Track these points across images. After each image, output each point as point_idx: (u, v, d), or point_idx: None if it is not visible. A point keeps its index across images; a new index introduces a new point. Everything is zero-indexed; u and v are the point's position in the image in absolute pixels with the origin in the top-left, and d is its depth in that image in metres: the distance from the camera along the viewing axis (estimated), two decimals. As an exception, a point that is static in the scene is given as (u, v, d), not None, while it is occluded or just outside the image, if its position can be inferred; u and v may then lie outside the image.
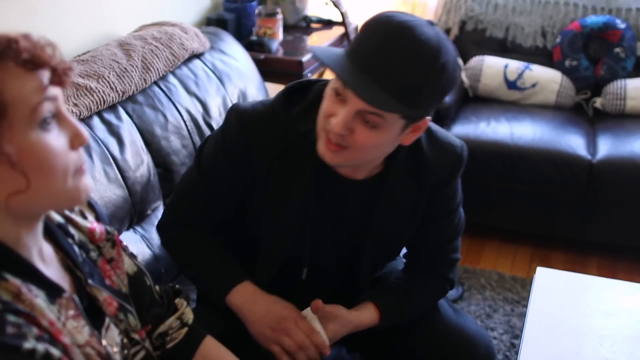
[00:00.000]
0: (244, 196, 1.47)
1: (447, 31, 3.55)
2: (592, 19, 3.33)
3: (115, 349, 1.03)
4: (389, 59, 1.20)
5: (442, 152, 1.45)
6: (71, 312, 0.94)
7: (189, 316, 1.27)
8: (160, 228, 1.56)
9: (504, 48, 3.50)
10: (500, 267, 2.99)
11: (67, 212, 1.06)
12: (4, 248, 0.88)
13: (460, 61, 3.45)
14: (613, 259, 3.05)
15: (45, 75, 0.86)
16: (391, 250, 1.60)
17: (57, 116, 0.88)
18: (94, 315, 1.00)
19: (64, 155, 0.87)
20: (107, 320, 1.03)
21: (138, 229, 1.89)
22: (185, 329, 1.24)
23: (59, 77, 0.87)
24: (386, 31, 1.22)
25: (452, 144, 1.47)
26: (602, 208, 2.97)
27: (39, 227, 0.95)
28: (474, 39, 3.52)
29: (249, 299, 1.45)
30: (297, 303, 1.49)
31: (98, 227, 1.11)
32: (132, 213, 1.86)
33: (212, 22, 2.84)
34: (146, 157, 1.93)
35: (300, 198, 1.43)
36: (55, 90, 0.87)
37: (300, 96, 1.42)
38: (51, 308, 0.90)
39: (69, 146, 0.89)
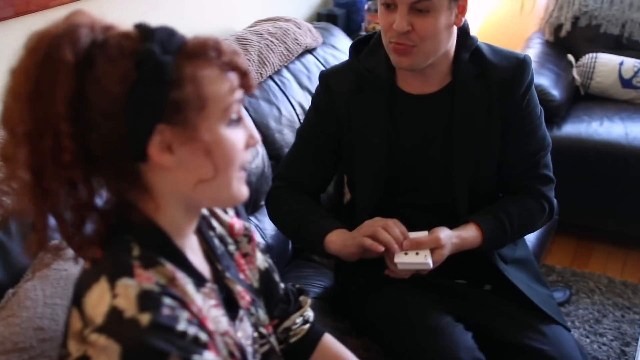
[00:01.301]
0: (338, 145, 1.66)
1: (559, 27, 3.46)
2: None
3: (248, 342, 1.07)
4: None
5: (503, 57, 1.60)
6: (212, 302, 0.99)
7: (310, 314, 1.32)
8: (268, 196, 1.73)
9: (620, 45, 3.36)
10: (609, 271, 2.89)
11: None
12: (164, 236, 0.95)
13: (571, 58, 3.35)
14: None
15: (235, 78, 0.93)
16: (481, 166, 1.62)
17: (239, 117, 0.96)
18: (230, 307, 1.05)
19: (242, 152, 0.95)
20: (240, 312, 1.08)
21: (252, 218, 1.95)
22: (308, 325, 1.30)
23: (246, 81, 0.95)
24: None
25: (513, 52, 1.62)
26: None
27: (197, 220, 1.02)
28: (587, 36, 3.40)
29: (340, 236, 1.56)
30: None
31: (237, 222, 1.16)
32: (247, 203, 1.92)
33: (323, 17, 2.88)
34: (261, 150, 1.99)
35: (378, 123, 1.58)
36: (240, 94, 0.95)
37: (365, 45, 1.65)
38: (197, 296, 0.95)
39: (244, 145, 0.96)
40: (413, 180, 1.64)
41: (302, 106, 2.18)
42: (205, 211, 1.11)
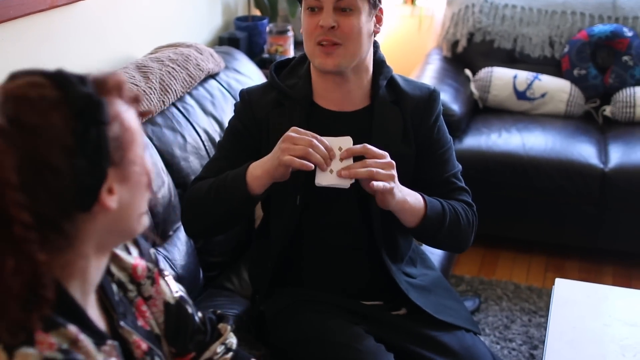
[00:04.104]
0: (258, 155, 1.60)
1: (455, 43, 3.58)
2: (600, 28, 3.35)
3: None
4: None
5: (416, 87, 1.73)
6: None
7: (233, 341, 1.28)
8: (186, 195, 1.71)
9: (513, 59, 3.52)
10: (515, 277, 3.00)
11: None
12: (65, 295, 0.91)
13: (469, 73, 3.48)
14: (628, 266, 3.06)
15: (135, 108, 0.95)
16: None
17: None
18: (127, 358, 1.01)
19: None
20: None
21: (161, 250, 1.91)
22: (230, 354, 1.25)
23: (141, 115, 0.97)
24: None
25: (424, 84, 1.77)
26: (615, 216, 2.98)
27: (103, 273, 0.99)
28: (482, 51, 3.54)
29: (262, 161, 1.55)
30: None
31: (140, 264, 1.12)
32: (155, 234, 1.88)
33: (224, 41, 2.87)
34: (167, 179, 1.96)
35: None
36: None
37: (283, 68, 1.76)
38: (99, 356, 0.91)
39: None
40: (329, 197, 1.62)
41: (207, 132, 2.16)
42: None
